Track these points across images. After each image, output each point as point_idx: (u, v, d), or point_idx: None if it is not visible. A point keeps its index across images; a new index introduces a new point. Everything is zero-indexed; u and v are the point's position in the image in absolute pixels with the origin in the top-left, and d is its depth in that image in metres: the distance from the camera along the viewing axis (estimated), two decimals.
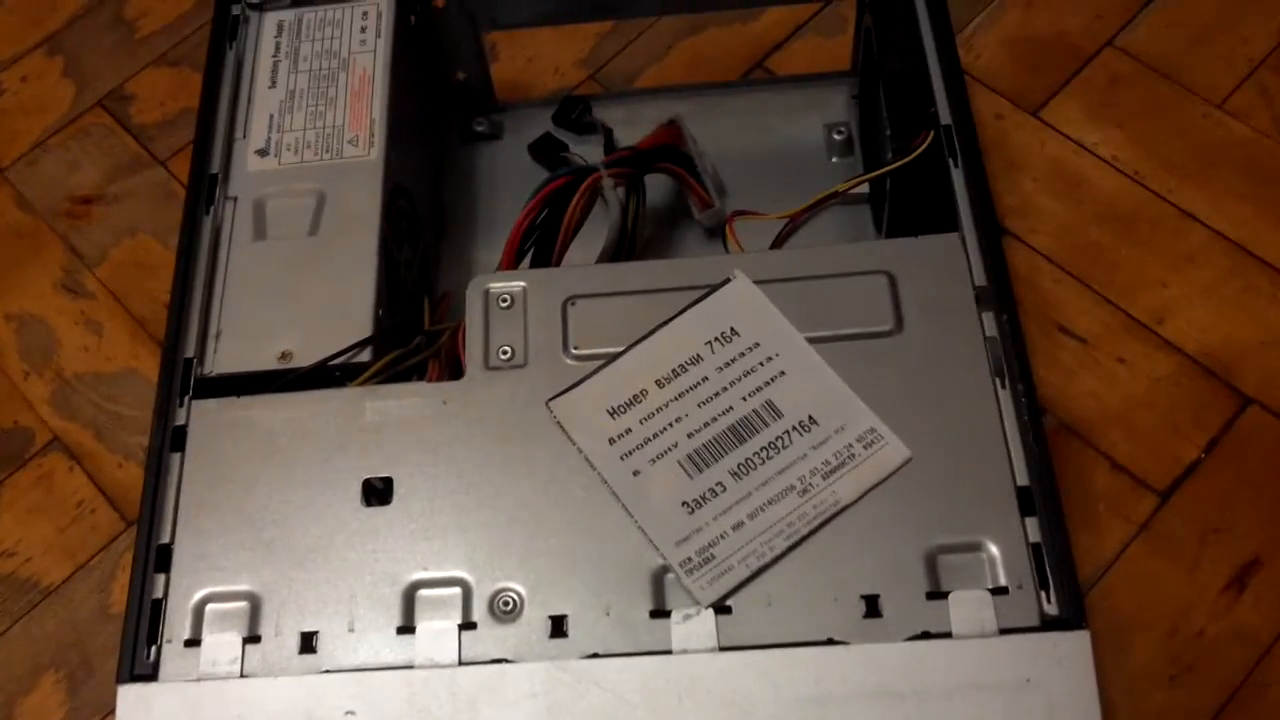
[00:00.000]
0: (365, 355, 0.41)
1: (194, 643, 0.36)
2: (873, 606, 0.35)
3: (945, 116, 0.44)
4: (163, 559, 0.37)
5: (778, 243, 0.51)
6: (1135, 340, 0.54)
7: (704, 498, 0.37)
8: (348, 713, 0.34)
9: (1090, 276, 0.56)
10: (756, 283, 0.41)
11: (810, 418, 0.38)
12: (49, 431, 0.57)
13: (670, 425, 0.38)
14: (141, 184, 0.64)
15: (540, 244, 0.48)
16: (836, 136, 0.56)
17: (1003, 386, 0.38)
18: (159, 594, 0.37)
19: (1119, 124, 0.60)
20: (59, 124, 0.67)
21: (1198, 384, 0.52)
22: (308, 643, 0.36)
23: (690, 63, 0.65)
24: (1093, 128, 0.60)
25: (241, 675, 0.35)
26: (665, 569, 0.36)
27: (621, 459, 0.38)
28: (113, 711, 0.35)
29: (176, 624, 0.36)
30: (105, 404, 0.57)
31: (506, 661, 0.35)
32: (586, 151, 0.54)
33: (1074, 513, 0.49)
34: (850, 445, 0.37)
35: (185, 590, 0.37)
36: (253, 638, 0.36)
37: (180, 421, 0.40)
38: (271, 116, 0.48)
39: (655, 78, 0.64)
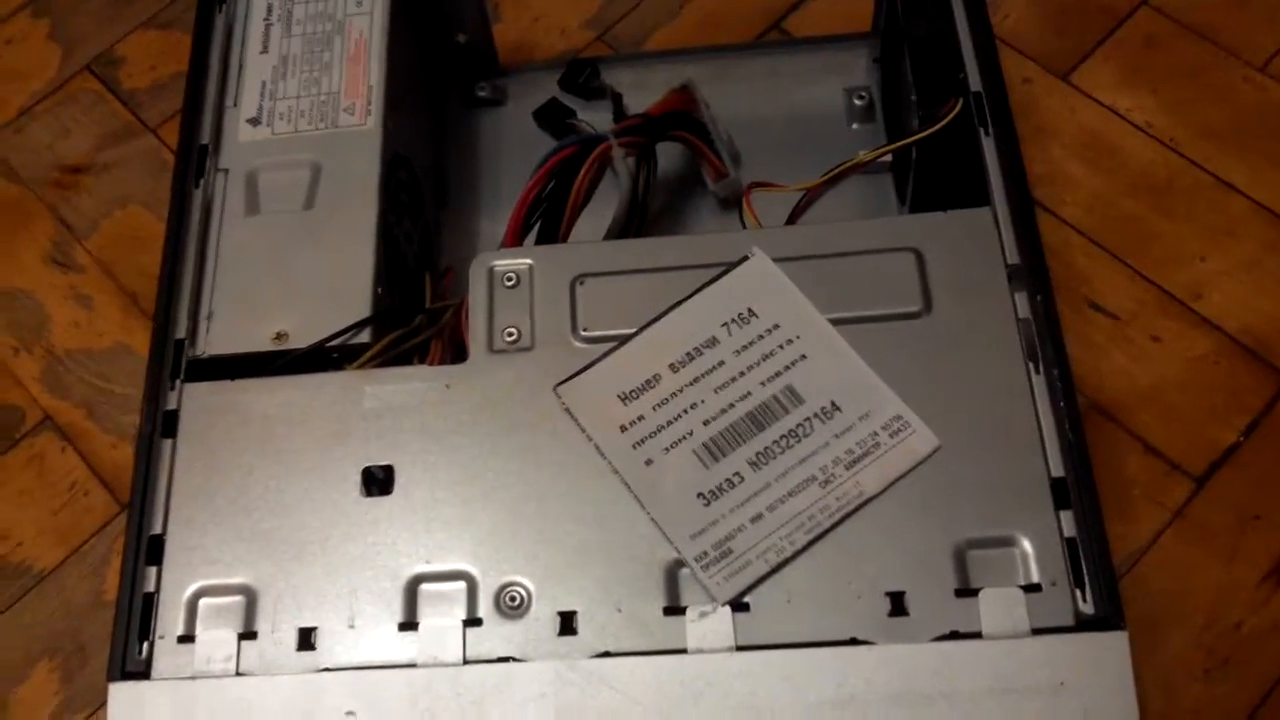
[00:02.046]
0: (364, 336, 0.40)
1: (188, 639, 0.35)
2: (898, 604, 0.33)
3: (975, 82, 0.42)
4: (154, 551, 0.36)
5: (794, 215, 0.49)
6: (1170, 317, 0.52)
7: (720, 489, 0.35)
8: (348, 713, 0.33)
9: (1123, 250, 0.54)
10: (776, 260, 0.39)
11: (833, 404, 0.36)
12: (40, 410, 0.55)
13: (685, 412, 0.37)
14: (132, 152, 0.62)
15: (547, 217, 0.46)
16: (857, 102, 0.54)
17: (1036, 371, 0.36)
18: (151, 587, 0.36)
19: (1154, 88, 0.58)
20: (46, 89, 0.65)
21: (1236, 363, 0.50)
22: (306, 639, 0.34)
23: (703, 23, 0.62)
24: (1126, 92, 0.58)
25: (237, 673, 0.34)
26: (680, 563, 0.35)
27: (633, 447, 0.36)
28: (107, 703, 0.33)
29: (169, 619, 0.35)
30: (97, 382, 0.55)
31: (513, 660, 0.34)
32: (594, 118, 0.52)
33: (1106, 498, 0.46)
34: (875, 433, 0.36)
35: (178, 584, 0.36)
36: (249, 634, 0.35)
37: (171, 406, 0.39)
38: (264, 83, 0.46)
39: (666, 39, 0.62)
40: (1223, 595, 0.46)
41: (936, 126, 0.42)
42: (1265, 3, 0.59)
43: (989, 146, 0.41)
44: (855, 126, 0.54)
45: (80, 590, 0.51)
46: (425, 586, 0.35)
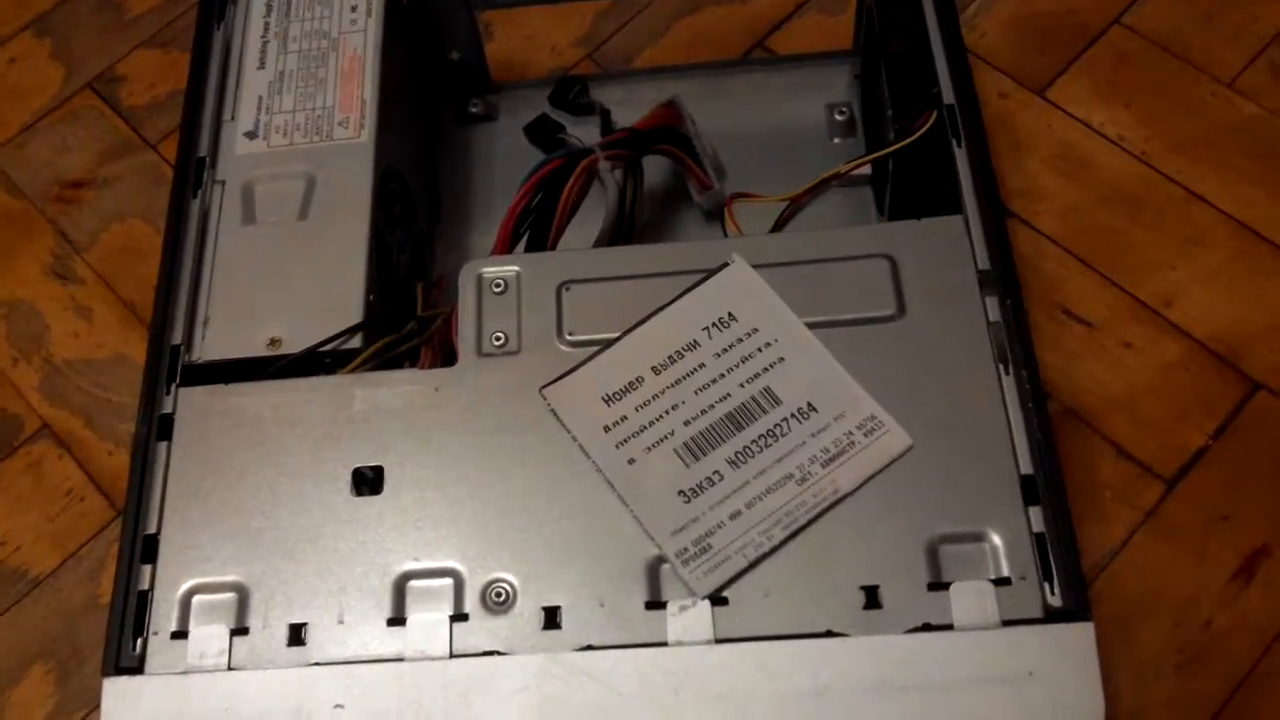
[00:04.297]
0: (356, 342, 0.41)
1: (181, 635, 0.35)
2: (873, 597, 0.34)
3: (948, 96, 0.44)
4: (149, 550, 0.37)
5: (778, 225, 0.50)
6: (1142, 324, 0.53)
7: (700, 486, 0.36)
8: (336, 706, 0.34)
9: (1096, 259, 0.55)
10: (755, 267, 0.40)
11: (809, 404, 0.37)
12: (38, 419, 0.56)
13: (666, 413, 0.38)
14: (131, 167, 0.63)
15: (535, 228, 0.47)
16: (838, 117, 0.55)
17: (1006, 372, 0.37)
18: (145, 585, 0.36)
19: (1126, 103, 0.59)
20: (48, 107, 0.66)
21: (1205, 369, 0.52)
22: (296, 635, 0.35)
23: (689, 42, 0.64)
24: (1099, 107, 0.59)
25: (229, 668, 0.35)
26: (661, 559, 0.35)
27: (617, 447, 0.37)
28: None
29: (163, 616, 0.36)
30: (95, 390, 0.56)
31: (498, 654, 0.34)
32: (583, 133, 0.53)
33: (1079, 500, 0.48)
34: (850, 433, 0.37)
35: (172, 581, 0.36)
36: (241, 630, 0.35)
37: (167, 410, 0.39)
38: (260, 98, 0.47)
39: (654, 57, 0.63)
40: (1193, 594, 0.47)
41: (911, 138, 0.44)
42: (1232, 22, 0.61)
43: (961, 157, 0.42)
44: (837, 141, 0.55)
45: (76, 595, 0.51)
46: (413, 583, 0.36)
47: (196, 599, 0.36)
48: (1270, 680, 0.45)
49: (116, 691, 0.35)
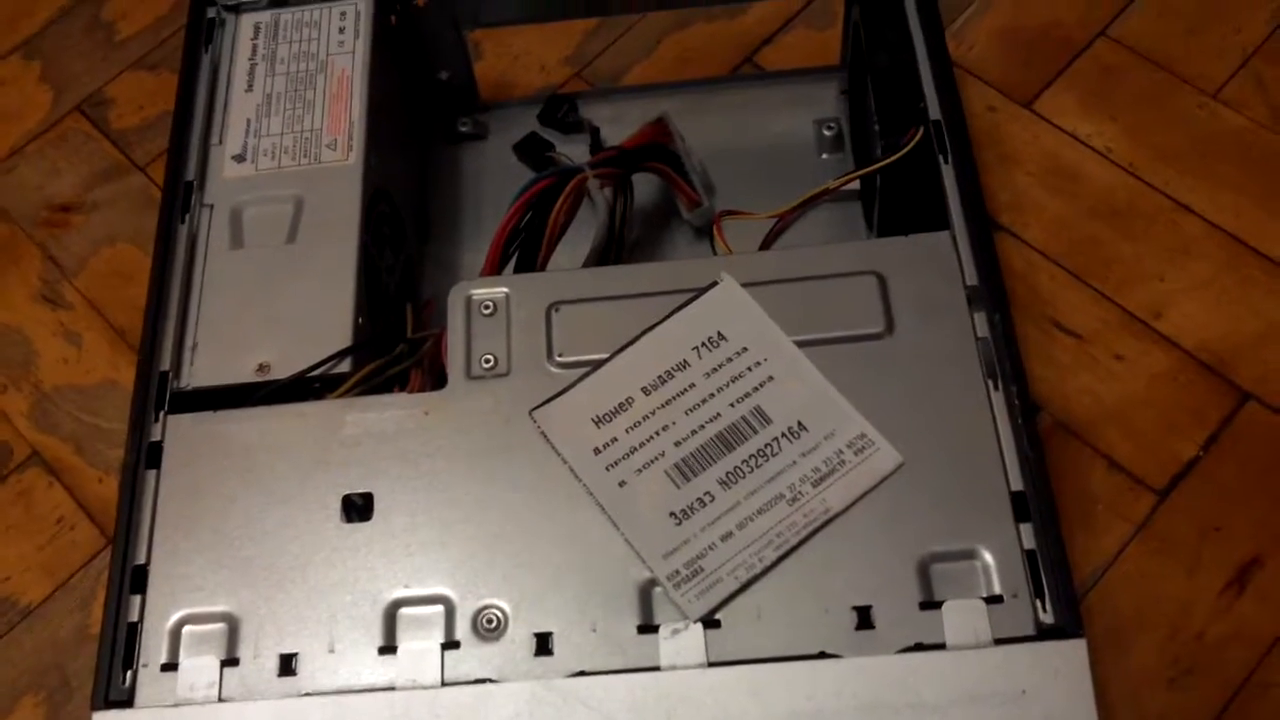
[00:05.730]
0: (345, 366, 0.41)
1: (171, 666, 0.35)
2: (865, 618, 0.34)
3: (935, 112, 0.44)
4: (138, 580, 0.37)
5: (767, 242, 0.50)
6: (1132, 336, 0.53)
7: (692, 508, 0.36)
8: None
9: (1086, 271, 0.55)
10: (744, 285, 0.40)
11: (799, 424, 0.37)
12: (28, 446, 0.56)
13: (657, 434, 0.38)
14: (121, 191, 0.63)
15: (525, 248, 0.47)
16: (826, 132, 0.55)
17: (996, 388, 0.37)
18: (134, 616, 0.36)
19: (1113, 115, 0.59)
20: (37, 130, 0.66)
21: (1195, 380, 0.52)
22: (287, 665, 0.35)
23: (678, 59, 0.64)
24: (1086, 119, 0.59)
25: (220, 699, 0.35)
26: (653, 582, 0.35)
27: (607, 469, 0.37)
28: None
29: (153, 647, 0.36)
30: (85, 417, 0.56)
31: (490, 681, 0.34)
32: (573, 151, 0.54)
33: (1071, 512, 0.49)
34: (840, 451, 0.37)
35: (161, 612, 0.36)
36: (231, 660, 0.35)
37: (156, 437, 0.39)
38: (248, 121, 0.47)
39: (642, 75, 0.64)
40: (1186, 605, 0.47)
41: (898, 154, 0.44)
42: (1215, 35, 0.61)
43: (948, 173, 0.42)
44: (825, 156, 0.55)
45: (66, 624, 0.51)
46: (404, 611, 0.36)
47: (186, 630, 0.36)
48: (1265, 691, 0.45)
49: None
